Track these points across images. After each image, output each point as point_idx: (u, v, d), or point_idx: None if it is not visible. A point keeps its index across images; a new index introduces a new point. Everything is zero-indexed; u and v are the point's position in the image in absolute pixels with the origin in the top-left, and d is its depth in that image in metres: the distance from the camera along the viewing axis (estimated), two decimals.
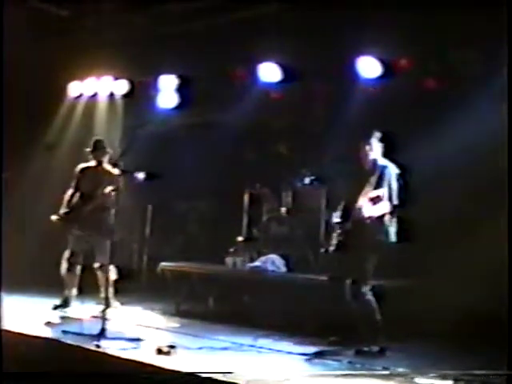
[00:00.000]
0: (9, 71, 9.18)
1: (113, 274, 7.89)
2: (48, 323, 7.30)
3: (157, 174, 7.71)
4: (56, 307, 7.93)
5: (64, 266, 8.03)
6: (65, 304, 8.00)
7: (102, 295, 7.55)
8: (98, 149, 8.22)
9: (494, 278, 6.61)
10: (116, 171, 7.84)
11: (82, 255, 8.10)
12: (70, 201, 8.16)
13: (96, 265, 8.01)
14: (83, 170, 8.29)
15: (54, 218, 8.09)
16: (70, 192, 8.20)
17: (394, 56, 8.15)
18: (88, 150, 8.28)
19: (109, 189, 7.36)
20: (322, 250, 7.57)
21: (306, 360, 6.06)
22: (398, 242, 6.47)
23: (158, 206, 10.55)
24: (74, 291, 8.06)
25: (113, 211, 7.42)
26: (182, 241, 10.29)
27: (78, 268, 8.08)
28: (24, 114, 9.95)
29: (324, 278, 7.24)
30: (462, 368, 5.54)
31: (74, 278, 8.06)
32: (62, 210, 8.10)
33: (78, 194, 8.18)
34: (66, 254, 8.05)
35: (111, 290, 7.85)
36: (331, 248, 6.67)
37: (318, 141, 8.90)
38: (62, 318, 7.71)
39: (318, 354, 6.20)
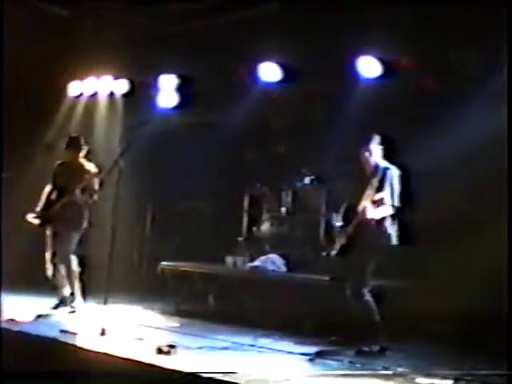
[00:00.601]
0: (9, 71, 9.19)
1: (76, 268, 7.88)
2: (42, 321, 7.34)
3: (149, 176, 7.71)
4: (55, 307, 7.89)
5: (48, 267, 7.93)
6: (62, 303, 7.92)
7: (66, 291, 7.73)
8: (73, 145, 8.16)
9: (494, 279, 6.61)
10: (91, 167, 7.89)
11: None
12: (47, 198, 8.03)
13: (56, 260, 7.89)
14: (59, 166, 8.21)
15: (29, 216, 7.96)
16: (47, 189, 8.09)
17: (394, 56, 8.15)
18: (63, 147, 8.25)
19: (82, 185, 7.45)
20: (324, 254, 7.56)
21: (306, 360, 6.06)
22: (398, 244, 6.48)
23: (158, 206, 10.56)
24: (67, 291, 7.94)
25: (87, 206, 7.66)
26: (182, 241, 10.30)
27: (62, 267, 7.94)
28: (24, 114, 9.95)
29: (324, 278, 7.24)
30: (462, 368, 5.55)
31: (62, 278, 7.92)
32: (39, 208, 8.00)
33: (56, 191, 8.03)
34: (47, 255, 7.94)
35: (77, 285, 7.89)
36: (333, 252, 6.67)
37: (318, 141, 8.89)
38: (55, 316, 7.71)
39: (317, 354, 6.19)
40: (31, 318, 7.33)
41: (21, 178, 9.89)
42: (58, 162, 8.31)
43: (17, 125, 9.69)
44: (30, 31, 9.75)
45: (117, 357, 5.68)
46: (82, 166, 7.98)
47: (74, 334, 6.49)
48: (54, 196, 8.04)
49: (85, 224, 7.96)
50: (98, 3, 9.69)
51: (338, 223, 6.66)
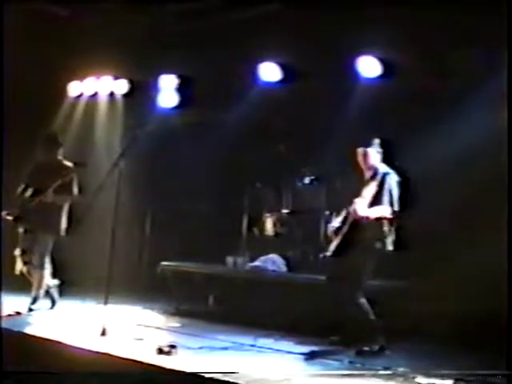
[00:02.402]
0: (9, 71, 9.19)
1: (47, 275, 7.80)
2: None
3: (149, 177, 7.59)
4: (30, 309, 7.76)
5: (18, 264, 7.81)
6: (34, 303, 7.79)
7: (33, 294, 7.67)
8: (50, 143, 8.07)
9: (494, 279, 6.61)
10: (69, 164, 7.84)
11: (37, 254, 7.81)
12: (20, 196, 7.93)
13: (34, 262, 7.76)
14: (37, 164, 8.08)
15: (4, 214, 7.84)
16: (21, 187, 7.97)
17: (394, 56, 8.14)
18: (39, 144, 8.13)
19: (59, 183, 7.37)
20: (321, 256, 7.56)
21: (305, 359, 6.07)
22: (397, 245, 6.48)
23: (158, 206, 10.56)
24: (41, 291, 7.84)
25: (64, 206, 7.61)
26: (182, 241, 10.29)
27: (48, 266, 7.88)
28: (24, 114, 9.95)
29: (322, 278, 7.24)
30: (462, 368, 5.55)
31: (36, 277, 7.79)
32: (15, 206, 7.89)
33: (30, 189, 7.92)
34: (17, 251, 7.82)
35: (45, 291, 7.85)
36: (328, 254, 6.67)
37: (318, 141, 8.90)
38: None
39: (317, 354, 6.19)
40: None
41: (21, 178, 9.89)
42: (35, 160, 8.13)
43: (17, 125, 9.69)
44: (30, 31, 9.75)
45: (117, 357, 5.69)
46: (60, 164, 7.89)
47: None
48: (28, 194, 7.90)
49: (62, 226, 7.83)
50: (97, 3, 9.69)
51: (336, 224, 6.64)
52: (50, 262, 7.86)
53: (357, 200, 6.39)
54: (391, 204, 6.34)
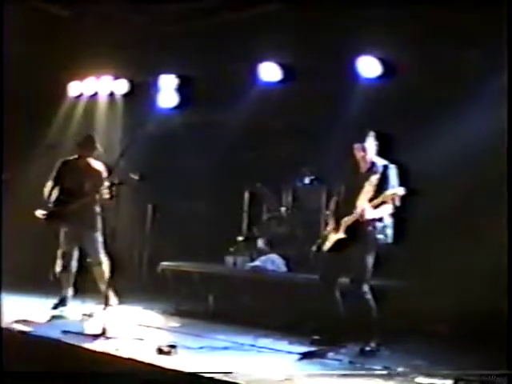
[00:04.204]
0: (9, 71, 9.19)
1: (107, 269, 7.83)
2: (47, 322, 7.31)
3: (149, 177, 7.69)
4: (54, 307, 7.89)
5: (58, 265, 7.93)
6: (62, 303, 7.92)
7: (102, 291, 7.58)
8: (87, 144, 8.10)
9: (494, 278, 6.61)
10: (102, 168, 7.86)
11: (76, 253, 7.98)
12: (50, 195, 7.94)
13: (89, 260, 7.94)
14: (65, 163, 8.10)
15: (39, 213, 7.85)
16: (49, 185, 7.97)
17: (394, 56, 8.15)
18: (77, 143, 8.19)
19: (105, 185, 7.33)
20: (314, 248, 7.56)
21: (306, 359, 6.07)
22: (396, 242, 6.47)
23: (158, 206, 10.55)
24: (70, 291, 7.97)
25: (104, 206, 7.59)
26: (182, 241, 10.29)
27: (73, 267, 7.98)
28: (24, 114, 9.95)
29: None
30: (461, 368, 5.55)
31: (69, 278, 7.96)
32: (48, 205, 7.89)
33: (58, 188, 7.96)
34: (59, 253, 7.94)
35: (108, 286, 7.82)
36: (324, 248, 6.67)
37: (317, 141, 8.90)
38: (61, 317, 7.69)
39: (306, 355, 6.20)
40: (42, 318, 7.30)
41: (21, 178, 9.90)
42: (65, 159, 8.17)
43: (17, 125, 9.69)
44: (30, 31, 9.75)
45: (117, 357, 5.69)
46: (92, 166, 7.95)
47: (78, 334, 6.48)
48: (56, 193, 7.94)
49: (99, 224, 7.93)
50: (97, 3, 9.69)
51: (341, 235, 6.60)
52: (106, 257, 7.90)
53: (362, 204, 6.35)
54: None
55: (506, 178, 6.35)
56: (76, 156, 8.15)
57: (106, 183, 7.33)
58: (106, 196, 7.37)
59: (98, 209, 7.91)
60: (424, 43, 7.78)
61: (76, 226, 7.86)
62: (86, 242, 7.94)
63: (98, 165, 8.03)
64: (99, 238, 7.93)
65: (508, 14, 6.55)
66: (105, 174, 7.87)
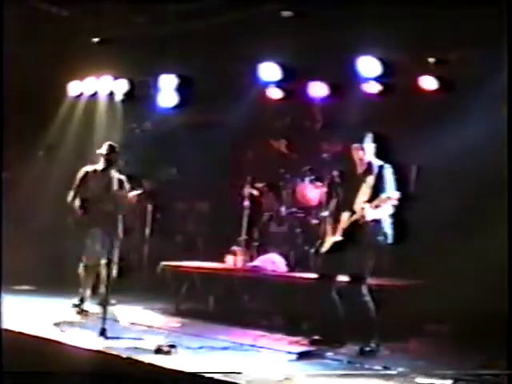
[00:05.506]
0: (9, 71, 9.18)
1: (114, 272, 7.85)
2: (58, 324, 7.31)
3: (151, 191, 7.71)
4: (75, 306, 7.90)
5: (81, 267, 7.95)
6: (81, 303, 7.94)
7: (101, 291, 7.62)
8: (111, 153, 8.06)
9: (494, 278, 6.61)
10: (122, 177, 7.87)
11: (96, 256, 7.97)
12: (74, 200, 7.97)
13: (103, 261, 7.89)
14: (88, 172, 8.10)
15: (72, 220, 8.00)
16: (74, 192, 8.00)
17: (394, 56, 8.15)
18: (101, 152, 8.11)
19: (134, 193, 7.70)
20: (312, 250, 7.56)
21: (305, 359, 6.07)
22: (396, 242, 6.47)
23: (158, 206, 10.55)
24: (89, 292, 7.99)
25: (124, 212, 7.74)
26: (182, 241, 10.29)
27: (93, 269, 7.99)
28: (24, 114, 9.95)
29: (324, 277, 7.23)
30: (461, 368, 5.55)
31: (90, 279, 7.99)
32: (78, 211, 7.93)
33: (84, 195, 7.98)
34: (84, 256, 7.95)
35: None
36: (323, 249, 6.68)
37: (317, 140, 8.90)
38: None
39: (301, 355, 6.20)
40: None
41: (21, 178, 9.91)
42: (89, 167, 8.14)
43: (17, 125, 9.69)
44: (30, 31, 9.76)
45: (117, 357, 5.69)
46: (113, 175, 7.91)
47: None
48: (83, 199, 7.96)
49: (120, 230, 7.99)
50: (97, 3, 9.69)
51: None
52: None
53: (360, 205, 6.35)
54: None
55: (507, 178, 6.35)
56: (100, 165, 8.09)
57: (135, 192, 7.61)
58: (133, 202, 7.75)
59: (119, 215, 7.93)
60: (424, 43, 7.78)
61: (99, 230, 7.84)
62: (106, 245, 7.81)
63: (119, 175, 8.01)
64: (117, 241, 7.91)
65: (508, 14, 6.55)
66: (126, 181, 7.95)
